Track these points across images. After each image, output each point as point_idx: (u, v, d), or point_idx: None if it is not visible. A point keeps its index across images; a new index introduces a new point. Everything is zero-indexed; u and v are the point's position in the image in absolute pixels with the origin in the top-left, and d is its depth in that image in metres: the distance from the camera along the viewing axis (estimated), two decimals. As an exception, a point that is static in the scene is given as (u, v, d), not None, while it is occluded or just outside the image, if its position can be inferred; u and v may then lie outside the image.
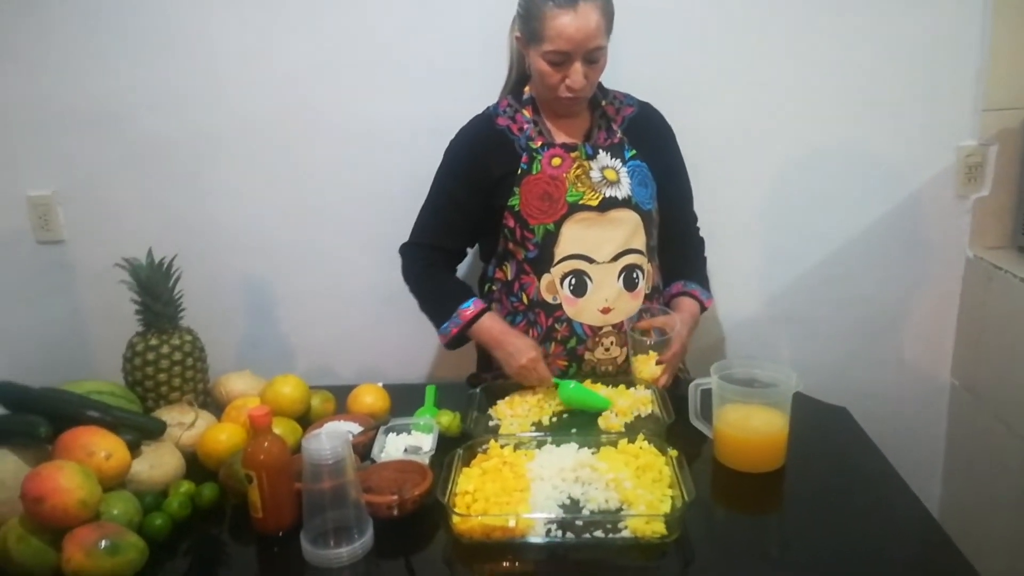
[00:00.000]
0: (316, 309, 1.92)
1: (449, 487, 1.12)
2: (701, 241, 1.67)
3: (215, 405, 1.46)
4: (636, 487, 1.13)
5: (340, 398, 1.45)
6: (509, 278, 1.54)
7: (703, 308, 1.57)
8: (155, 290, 1.39)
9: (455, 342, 1.51)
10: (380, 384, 1.51)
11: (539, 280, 1.49)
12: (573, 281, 1.47)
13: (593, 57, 1.38)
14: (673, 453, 1.19)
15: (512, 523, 1.05)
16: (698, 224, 1.67)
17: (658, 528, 1.05)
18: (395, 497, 1.11)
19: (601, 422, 1.37)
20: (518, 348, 1.43)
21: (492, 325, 1.48)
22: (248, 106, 1.79)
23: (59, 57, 1.77)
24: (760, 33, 1.72)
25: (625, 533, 1.05)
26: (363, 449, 1.28)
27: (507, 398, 1.45)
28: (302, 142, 1.81)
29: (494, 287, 1.58)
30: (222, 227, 1.86)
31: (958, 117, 1.76)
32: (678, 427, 1.32)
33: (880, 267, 1.86)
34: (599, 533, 1.06)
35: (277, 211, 1.86)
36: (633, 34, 1.67)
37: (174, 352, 1.40)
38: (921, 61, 1.72)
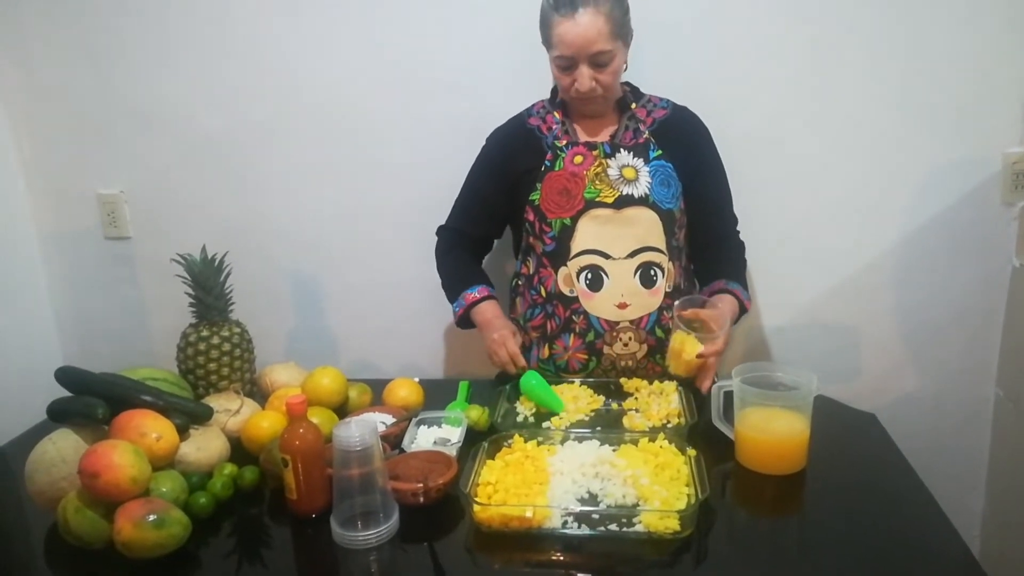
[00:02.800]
0: (360, 305, 2.00)
1: (472, 477, 1.18)
2: (741, 244, 1.68)
3: (260, 394, 1.54)
4: (653, 484, 1.16)
5: (377, 391, 1.52)
6: (531, 272, 1.60)
7: (744, 310, 1.58)
8: (207, 284, 1.48)
9: (462, 322, 1.64)
10: (416, 379, 1.58)
11: (556, 273, 1.53)
12: (589, 276, 1.51)
13: (599, 61, 1.43)
14: (692, 452, 1.21)
15: (529, 513, 1.09)
16: (738, 228, 1.68)
17: (672, 524, 1.08)
18: (420, 485, 1.16)
19: (626, 421, 1.40)
20: (495, 327, 1.55)
21: (486, 310, 1.60)
22: (297, 107, 1.88)
23: (126, 61, 1.89)
24: (802, 37, 1.73)
25: (639, 528, 1.09)
26: (395, 439, 1.35)
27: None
28: (349, 141, 1.89)
29: (519, 281, 1.65)
30: (272, 224, 1.96)
31: (1005, 123, 1.73)
32: (701, 429, 1.34)
33: (922, 275, 1.84)
34: (614, 527, 1.09)
35: (324, 209, 1.94)
36: (669, 39, 1.70)
37: (223, 343, 1.49)
38: (967, 65, 1.70)
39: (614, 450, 1.27)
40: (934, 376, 1.89)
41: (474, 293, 1.61)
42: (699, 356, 1.42)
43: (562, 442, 1.30)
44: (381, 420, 1.39)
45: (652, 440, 1.27)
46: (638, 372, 1.54)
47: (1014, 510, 1.81)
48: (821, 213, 1.83)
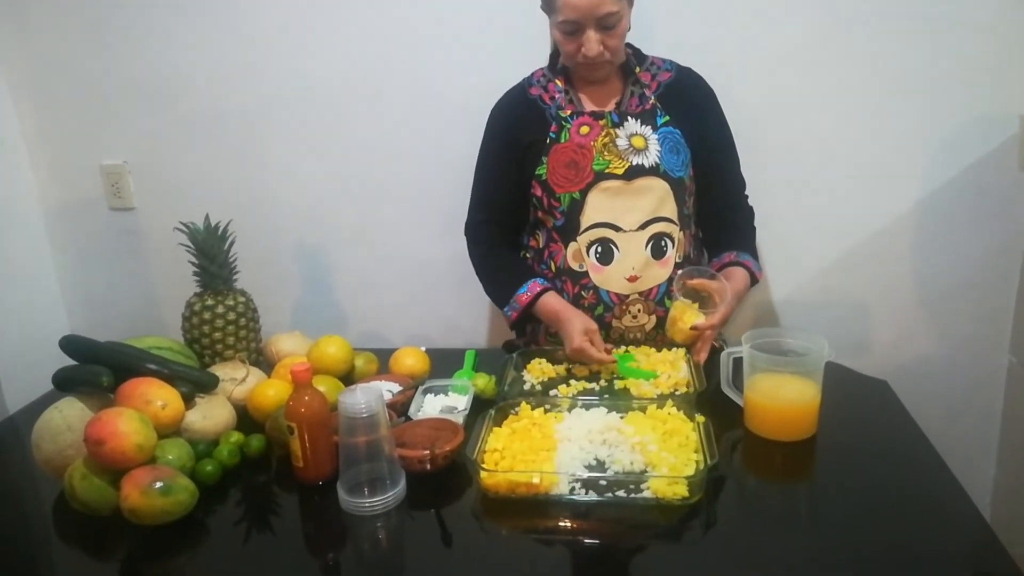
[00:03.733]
0: (367, 278, 1.99)
1: (479, 444, 1.17)
2: (750, 211, 1.65)
3: (266, 363, 1.54)
4: (661, 450, 1.15)
5: (383, 360, 1.51)
6: (540, 246, 1.57)
7: (754, 280, 1.55)
8: (211, 252, 1.47)
9: (519, 325, 1.58)
10: (422, 348, 1.57)
11: (566, 248, 1.51)
12: (599, 249, 1.48)
13: (607, 23, 1.38)
14: (700, 419, 1.20)
15: (536, 479, 1.09)
16: (747, 192, 1.65)
17: (680, 490, 1.07)
18: (427, 452, 1.16)
19: (633, 389, 1.39)
20: (568, 333, 1.43)
21: (550, 305, 1.49)
22: (303, 80, 1.85)
23: (130, 33, 1.87)
24: (812, -2, 1.68)
25: (647, 494, 1.08)
26: (402, 407, 1.34)
27: (537, 360, 1.50)
28: (354, 115, 1.87)
29: (528, 255, 1.61)
30: (277, 197, 1.95)
31: (1022, 84, 1.69)
32: (710, 396, 1.33)
33: (936, 242, 1.81)
34: (621, 493, 1.08)
35: (329, 182, 1.93)
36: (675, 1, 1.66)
37: (228, 312, 1.48)
38: (984, 26, 1.65)
39: (622, 417, 1.26)
40: (947, 343, 1.87)
41: (524, 293, 1.51)
42: (693, 328, 1.40)
43: (569, 409, 1.29)
44: (387, 388, 1.38)
45: (660, 407, 1.26)
46: (647, 342, 1.52)
47: (1026, 478, 1.80)
48: (832, 179, 1.80)
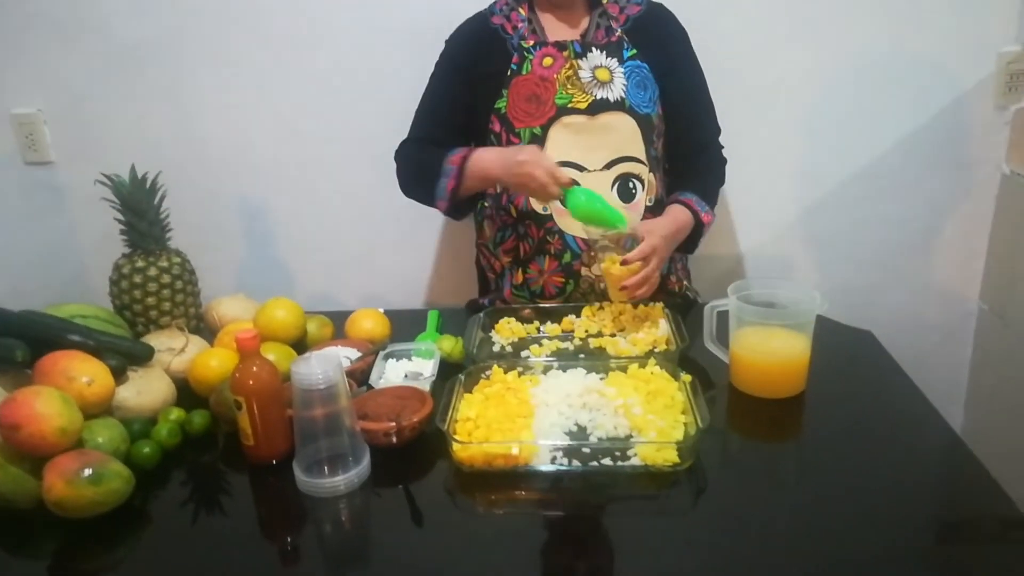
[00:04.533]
0: (316, 233, 1.85)
1: (450, 414, 1.07)
2: (720, 158, 1.55)
3: (208, 330, 1.40)
4: (646, 413, 1.06)
5: (339, 323, 1.39)
6: (499, 189, 1.45)
7: (699, 221, 1.43)
8: (139, 208, 1.31)
9: (455, 203, 1.40)
10: (381, 310, 1.45)
11: None
12: None
13: None
14: (687, 378, 1.12)
15: (515, 450, 0.99)
16: (722, 143, 1.55)
17: (670, 456, 0.99)
18: (392, 424, 1.05)
19: (610, 348, 1.30)
20: (516, 150, 1.31)
21: (484, 154, 1.35)
22: (237, 11, 1.68)
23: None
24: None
25: (635, 461, 0.99)
26: (361, 375, 1.23)
27: (505, 320, 1.39)
28: (294, 50, 1.71)
29: (485, 203, 1.51)
30: (211, 144, 1.78)
31: (1000, 21, 1.63)
32: (693, 353, 1.25)
33: (910, 184, 1.75)
34: (607, 461, 1.00)
35: (271, 128, 1.77)
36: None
37: (162, 275, 1.33)
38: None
39: (602, 378, 1.17)
40: (919, 290, 1.84)
41: (456, 153, 1.36)
42: (623, 263, 1.27)
43: (545, 372, 1.19)
44: (345, 355, 1.26)
45: (642, 367, 1.18)
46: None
47: (994, 425, 1.79)
48: (804, 123, 1.72)
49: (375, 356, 1.27)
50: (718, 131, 1.54)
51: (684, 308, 1.44)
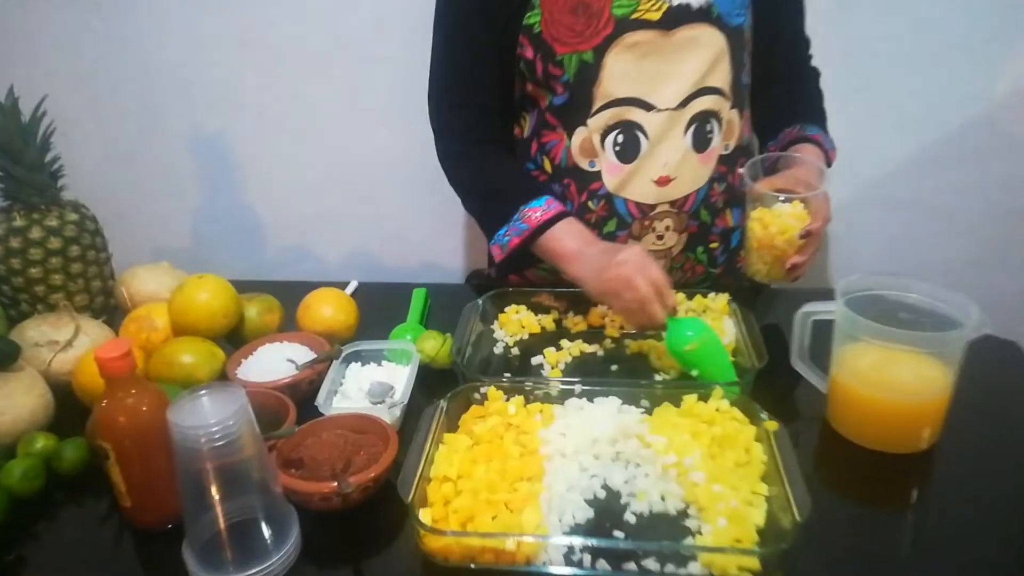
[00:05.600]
0: (274, 179, 1.47)
1: (420, 467, 0.72)
2: (815, 72, 1.16)
3: (120, 311, 1.06)
4: (711, 480, 0.71)
5: (291, 307, 1.04)
6: (526, 134, 1.07)
7: (828, 163, 1.08)
8: (14, 149, 0.96)
9: (512, 261, 1.04)
10: (351, 284, 1.11)
11: (569, 137, 1.02)
12: (620, 138, 1.00)
13: None
14: (771, 426, 0.76)
15: (511, 545, 0.65)
16: (811, 52, 1.16)
17: (749, 565, 0.64)
18: (333, 485, 0.71)
19: (654, 356, 0.94)
20: (613, 248, 0.93)
21: (567, 239, 0.97)
22: None
23: None
24: None
25: (695, 570, 0.65)
26: (306, 390, 0.89)
27: (513, 308, 1.04)
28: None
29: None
30: (128, 56, 1.38)
31: None
32: (770, 375, 0.89)
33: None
34: (652, 565, 0.65)
35: (217, 35, 1.36)
36: None
37: (50, 238, 0.99)
38: None
39: (643, 414, 0.82)
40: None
41: (539, 207, 0.99)
42: (804, 236, 0.94)
43: (562, 400, 0.84)
44: (289, 356, 0.92)
45: (703, 398, 0.82)
46: (672, 274, 1.07)
47: None
48: (896, 57, 1.31)
49: (330, 362, 0.92)
50: (809, 45, 1.16)
51: (748, 296, 1.06)
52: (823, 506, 0.67)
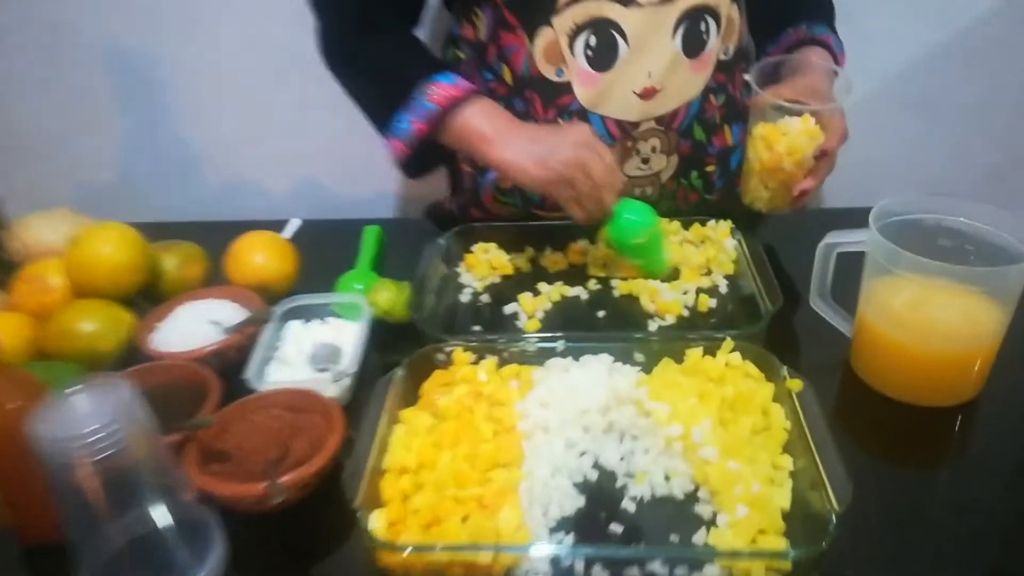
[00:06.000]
0: (205, 100, 1.27)
1: (370, 459, 0.59)
2: None
3: (13, 268, 0.89)
4: (725, 455, 0.59)
5: (217, 254, 0.88)
6: (482, 36, 0.89)
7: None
8: None
9: (418, 157, 0.85)
10: (291, 223, 0.95)
11: (531, 40, 0.84)
12: (593, 41, 0.82)
13: None
14: (794, 384, 0.63)
15: (487, 556, 0.53)
16: None
17: (780, 567, 0.52)
18: (263, 486, 0.58)
19: (646, 297, 0.81)
20: (551, 128, 0.81)
21: (492, 112, 0.81)
22: None
23: None
24: None
25: (712, 573, 0.53)
26: (234, 358, 0.74)
27: (481, 247, 0.90)
28: None
29: (461, 54, 0.94)
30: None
31: None
32: (785, 316, 0.76)
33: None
34: (660, 570, 0.53)
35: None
36: None
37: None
38: None
39: (640, 372, 0.69)
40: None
41: (446, 83, 0.80)
42: (821, 156, 0.79)
43: (543, 360, 0.70)
44: (213, 318, 0.77)
45: (710, 351, 0.69)
46: (660, 204, 0.92)
47: None
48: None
49: (264, 322, 0.77)
50: None
51: (750, 222, 0.92)
52: (850, 470, 0.55)
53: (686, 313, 0.80)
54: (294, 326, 0.79)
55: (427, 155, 0.85)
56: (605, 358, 0.69)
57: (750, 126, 0.84)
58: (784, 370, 0.65)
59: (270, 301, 0.80)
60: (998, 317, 0.65)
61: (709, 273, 0.84)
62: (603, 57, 0.83)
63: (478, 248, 0.90)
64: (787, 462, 0.60)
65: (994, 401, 0.69)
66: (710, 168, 0.93)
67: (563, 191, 0.76)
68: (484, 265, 0.88)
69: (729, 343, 0.68)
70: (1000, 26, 1.17)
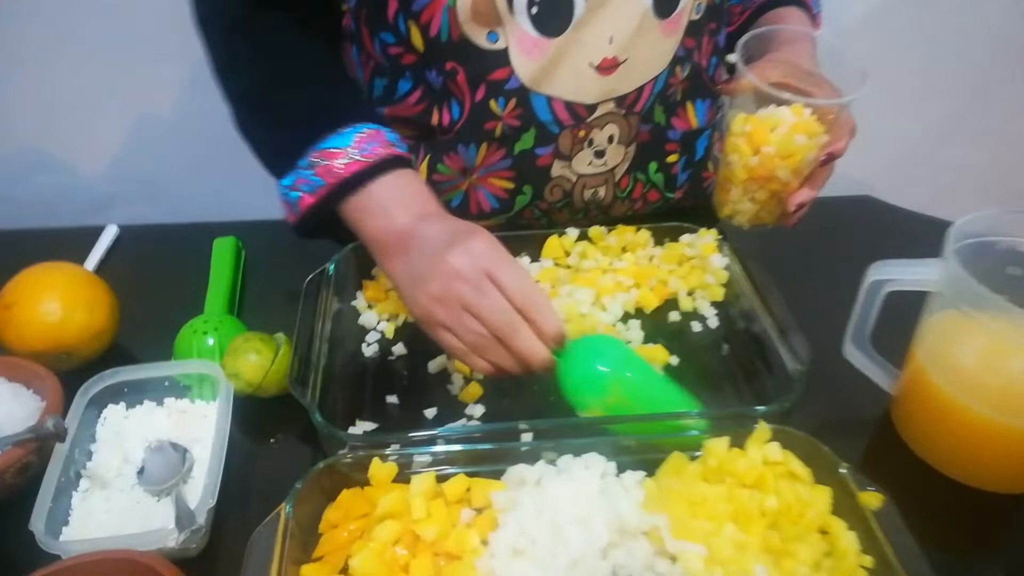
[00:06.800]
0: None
1: None
2: None
3: None
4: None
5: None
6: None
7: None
8: None
9: (311, 223, 0.58)
10: (107, 231, 0.66)
11: None
12: None
13: None
14: (873, 502, 0.45)
15: None
16: None
17: None
18: None
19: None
20: (456, 266, 0.50)
21: (400, 195, 0.56)
22: None
23: None
24: None
25: None
26: (17, 483, 0.47)
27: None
28: None
29: (352, 23, 0.67)
30: None
31: None
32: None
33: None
34: None
35: None
36: None
37: None
38: None
39: (642, 473, 0.48)
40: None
41: (341, 152, 0.55)
42: (825, 161, 0.59)
43: (502, 463, 0.48)
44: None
45: (737, 443, 0.49)
46: (615, 206, 0.71)
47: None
48: None
49: (53, 440, 0.49)
50: None
51: (739, 232, 0.72)
52: None
53: (673, 361, 0.60)
54: (112, 416, 0.52)
55: (324, 222, 0.58)
56: (596, 457, 0.48)
57: (728, 120, 0.63)
58: (844, 468, 0.46)
59: (70, 376, 0.52)
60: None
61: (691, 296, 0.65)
62: (553, 16, 0.59)
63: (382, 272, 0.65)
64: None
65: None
66: (671, 159, 0.72)
67: (443, 337, 0.52)
68: (392, 298, 0.64)
69: (765, 429, 0.48)
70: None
